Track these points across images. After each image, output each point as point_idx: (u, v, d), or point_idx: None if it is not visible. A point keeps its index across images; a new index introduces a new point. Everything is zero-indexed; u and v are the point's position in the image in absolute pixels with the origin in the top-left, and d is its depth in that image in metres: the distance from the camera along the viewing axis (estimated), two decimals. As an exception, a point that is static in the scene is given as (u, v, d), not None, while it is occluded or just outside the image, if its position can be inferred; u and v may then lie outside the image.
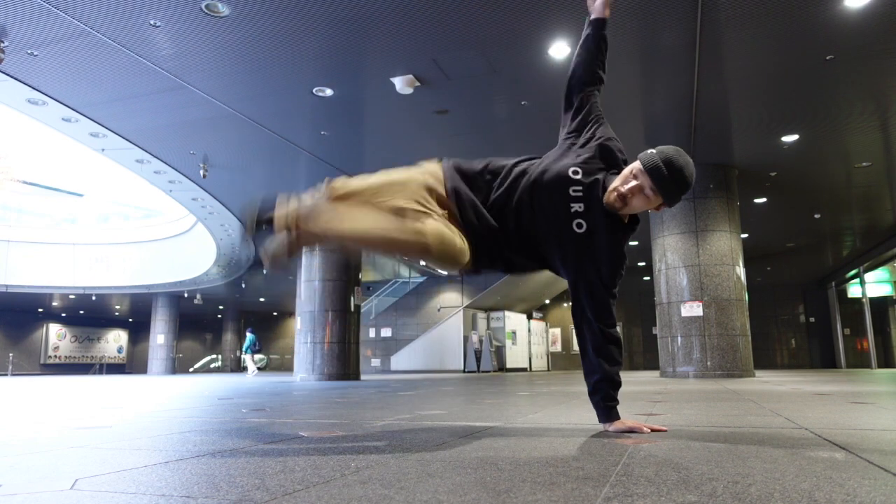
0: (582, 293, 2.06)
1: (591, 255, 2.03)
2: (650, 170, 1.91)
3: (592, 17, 2.18)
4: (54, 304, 25.34)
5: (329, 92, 7.00)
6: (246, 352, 18.19)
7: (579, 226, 2.00)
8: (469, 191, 2.05)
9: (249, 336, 18.22)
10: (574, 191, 2.01)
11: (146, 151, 8.86)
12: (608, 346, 2.04)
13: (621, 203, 1.97)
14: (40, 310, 26.89)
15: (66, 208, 24.94)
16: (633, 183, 1.95)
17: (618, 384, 2.05)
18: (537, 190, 2.03)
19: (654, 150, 1.96)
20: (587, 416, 2.10)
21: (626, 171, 1.99)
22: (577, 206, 2.00)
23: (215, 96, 7.10)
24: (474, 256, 2.01)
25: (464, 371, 16.82)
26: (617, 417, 2.04)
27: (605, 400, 2.04)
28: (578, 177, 2.01)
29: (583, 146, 2.11)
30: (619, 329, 2.10)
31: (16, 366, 26.63)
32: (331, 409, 3.39)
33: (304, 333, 10.65)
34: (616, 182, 1.99)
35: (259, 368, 29.41)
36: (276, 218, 1.87)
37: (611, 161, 2.08)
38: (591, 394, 2.08)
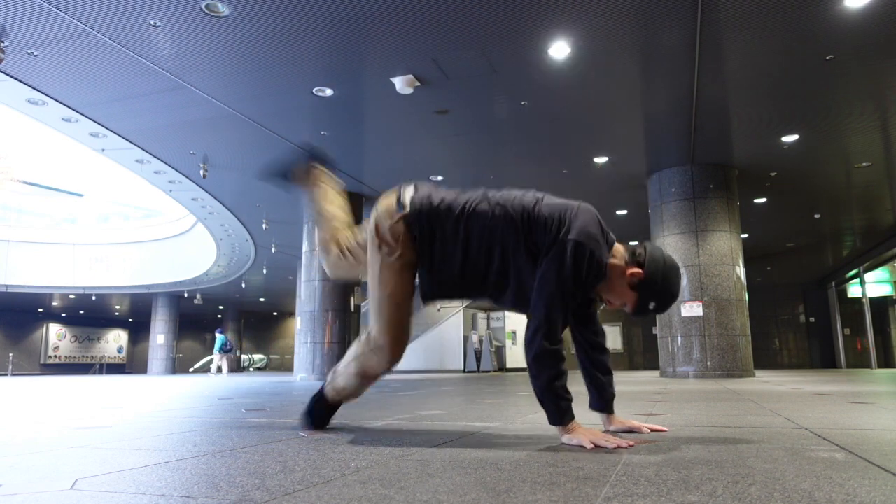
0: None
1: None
2: (656, 300, 1.88)
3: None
4: (54, 304, 25.35)
5: (329, 92, 7.00)
6: (218, 352, 18.30)
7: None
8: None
9: (220, 337, 18.33)
10: None
11: (146, 151, 8.87)
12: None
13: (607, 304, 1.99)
14: (40, 310, 26.90)
15: (66, 208, 24.99)
16: (630, 296, 1.88)
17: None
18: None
19: (661, 279, 1.85)
20: (587, 416, 2.10)
21: (626, 284, 1.88)
22: None
23: (215, 96, 7.10)
24: (433, 289, 2.03)
25: (464, 371, 16.82)
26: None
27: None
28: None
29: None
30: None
31: (16, 366, 26.64)
32: (331, 409, 3.38)
33: (304, 333, 10.64)
34: (612, 295, 1.92)
35: (259, 368, 29.34)
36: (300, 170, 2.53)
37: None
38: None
